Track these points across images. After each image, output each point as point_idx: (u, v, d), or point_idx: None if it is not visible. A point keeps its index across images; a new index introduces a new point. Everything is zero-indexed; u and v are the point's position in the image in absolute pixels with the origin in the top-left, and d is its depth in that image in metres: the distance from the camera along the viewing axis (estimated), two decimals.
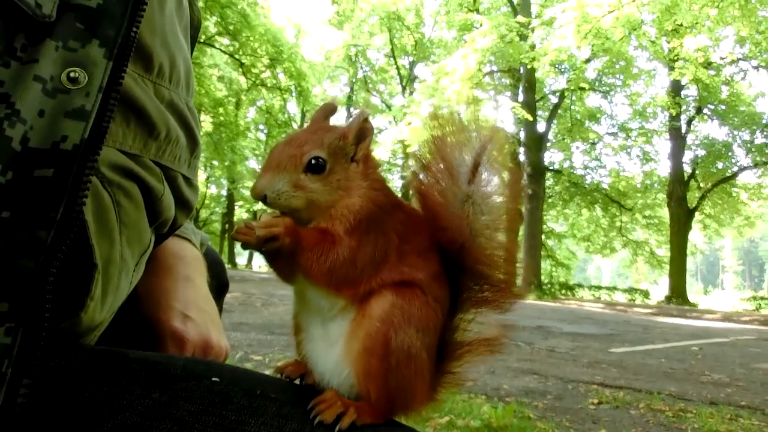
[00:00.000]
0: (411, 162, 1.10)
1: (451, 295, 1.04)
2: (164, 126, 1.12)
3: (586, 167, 39.17)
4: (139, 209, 1.08)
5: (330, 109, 1.07)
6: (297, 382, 1.04)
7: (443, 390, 1.06)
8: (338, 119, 1.06)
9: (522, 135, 31.99)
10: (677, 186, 35.60)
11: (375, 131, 1.00)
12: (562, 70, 32.61)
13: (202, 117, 33.63)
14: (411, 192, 1.07)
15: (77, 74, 0.85)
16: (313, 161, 0.94)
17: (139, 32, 0.96)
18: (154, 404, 0.82)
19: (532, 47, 26.83)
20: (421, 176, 1.05)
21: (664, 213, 38.62)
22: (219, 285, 1.74)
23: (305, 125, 1.08)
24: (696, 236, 47.78)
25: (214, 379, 0.89)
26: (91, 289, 0.93)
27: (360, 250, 0.93)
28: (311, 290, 0.97)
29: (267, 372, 1.10)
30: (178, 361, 0.94)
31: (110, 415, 0.80)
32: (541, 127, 34.51)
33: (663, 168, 38.39)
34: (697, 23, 25.76)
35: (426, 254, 1.00)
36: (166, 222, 1.21)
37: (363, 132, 0.98)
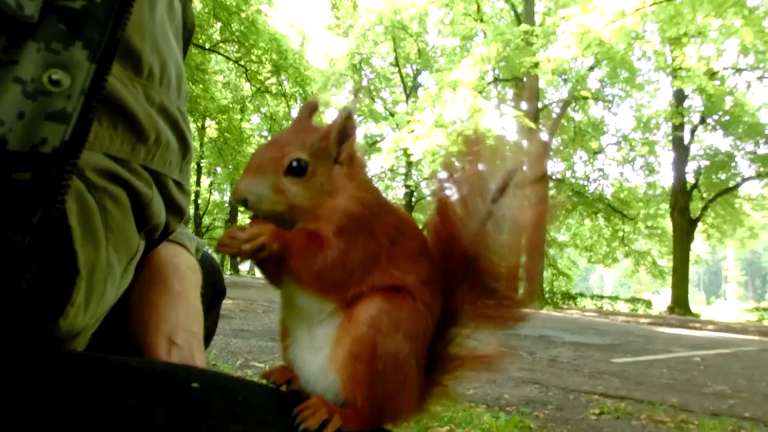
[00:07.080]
0: (439, 169, 1.07)
1: (448, 305, 1.02)
2: (154, 130, 1.11)
3: (588, 177, 39.14)
4: (127, 214, 1.06)
5: (313, 107, 1.05)
6: (283, 387, 1.03)
7: (432, 401, 1.04)
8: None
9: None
10: (680, 196, 35.54)
11: (358, 130, 0.97)
12: (565, 79, 32.62)
13: (207, 123, 33.78)
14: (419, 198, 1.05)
15: (59, 76, 0.83)
16: (294, 163, 0.92)
17: (128, 35, 0.95)
18: (131, 410, 0.80)
19: (535, 53, 26.81)
20: (445, 185, 1.04)
21: (667, 223, 38.56)
22: (215, 292, 1.72)
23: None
24: (699, 246, 47.68)
25: (194, 385, 0.87)
26: (72, 296, 0.91)
27: (349, 251, 0.91)
28: (299, 294, 0.95)
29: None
30: (159, 367, 0.92)
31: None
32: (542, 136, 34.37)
33: (666, 178, 38.45)
34: (701, 33, 25.75)
35: (417, 258, 0.97)
36: (157, 227, 1.20)
37: (346, 131, 0.95)
